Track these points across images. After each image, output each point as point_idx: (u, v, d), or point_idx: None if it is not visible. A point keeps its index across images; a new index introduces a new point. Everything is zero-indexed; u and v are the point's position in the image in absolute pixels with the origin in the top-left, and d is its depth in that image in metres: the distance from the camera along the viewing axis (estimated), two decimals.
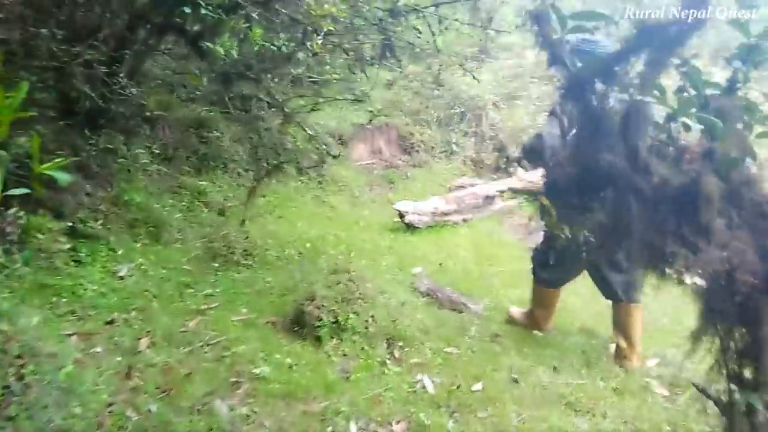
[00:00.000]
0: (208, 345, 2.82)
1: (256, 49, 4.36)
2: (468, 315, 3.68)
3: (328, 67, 5.34)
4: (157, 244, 3.89)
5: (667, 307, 3.88)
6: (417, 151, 7.43)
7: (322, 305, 3.13)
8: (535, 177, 6.91)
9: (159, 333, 2.83)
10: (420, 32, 4.29)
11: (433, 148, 7.49)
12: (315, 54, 4.25)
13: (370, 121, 4.16)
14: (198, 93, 5.61)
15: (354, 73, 7.43)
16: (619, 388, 2.86)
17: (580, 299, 4.06)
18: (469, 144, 7.58)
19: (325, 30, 3.74)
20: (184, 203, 4.58)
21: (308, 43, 3.97)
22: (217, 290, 3.56)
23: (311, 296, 3.25)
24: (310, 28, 3.78)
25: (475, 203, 6.01)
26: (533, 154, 3.17)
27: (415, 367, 2.89)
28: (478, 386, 2.74)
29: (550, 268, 3.25)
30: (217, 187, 5.04)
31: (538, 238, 3.75)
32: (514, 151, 7.36)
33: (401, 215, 5.27)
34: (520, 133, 7.40)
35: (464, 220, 5.84)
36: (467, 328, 3.40)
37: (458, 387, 2.72)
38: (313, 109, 3.94)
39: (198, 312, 3.17)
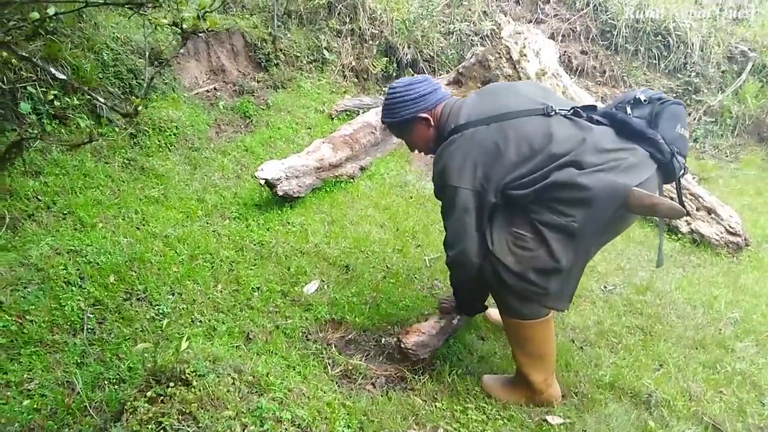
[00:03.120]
0: None
1: None
2: None
3: None
4: None
5: None
6: (276, 64, 5.28)
7: None
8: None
9: None
10: None
11: (297, 57, 5.37)
12: None
13: (194, 32, 2.01)
14: None
15: None
16: None
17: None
18: (346, 47, 5.55)
19: None
20: None
21: None
22: None
23: None
24: None
25: (372, 140, 4.20)
26: None
27: None
28: None
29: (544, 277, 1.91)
30: None
31: None
32: (406, 53, 5.51)
33: (271, 186, 3.34)
34: (411, 27, 5.51)
35: (362, 169, 4.04)
36: None
37: None
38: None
39: None
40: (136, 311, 2.43)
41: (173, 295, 2.57)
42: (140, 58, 4.37)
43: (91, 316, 2.37)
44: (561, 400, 2.05)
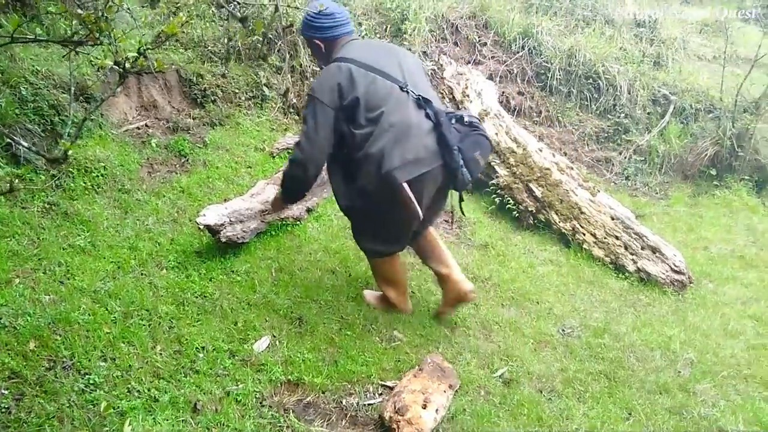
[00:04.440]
0: None
1: None
2: None
3: None
4: None
5: None
6: (213, 100, 5.05)
7: None
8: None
9: None
10: None
11: (236, 93, 5.17)
12: None
13: (138, 72, 1.84)
14: None
15: None
16: None
17: None
18: (286, 84, 5.43)
19: None
20: None
21: None
22: None
23: None
24: None
25: (318, 180, 4.03)
26: None
27: None
28: None
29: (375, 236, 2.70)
30: None
31: None
32: None
33: (213, 233, 3.11)
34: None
35: (308, 210, 3.88)
36: None
37: None
38: None
39: None
40: (62, 383, 2.12)
41: (105, 361, 2.28)
42: (63, 93, 4.05)
43: (6, 392, 2.04)
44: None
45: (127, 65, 1.78)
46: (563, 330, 2.90)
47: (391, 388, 2.28)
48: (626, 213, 3.74)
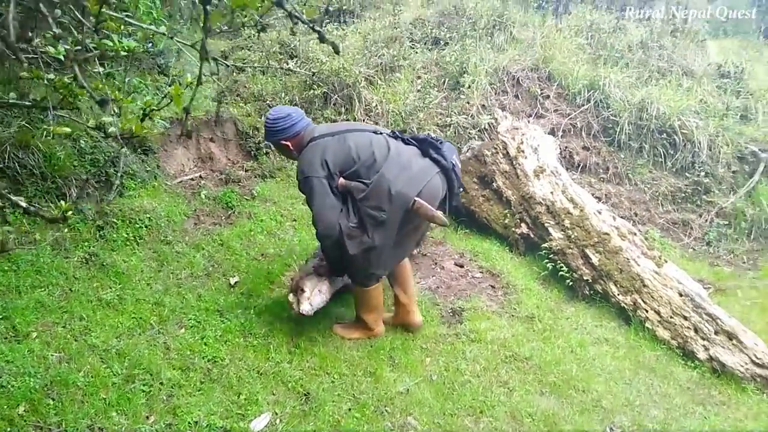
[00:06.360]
0: None
1: None
2: None
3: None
4: None
5: None
6: (266, 152, 5.12)
7: None
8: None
9: None
10: None
11: None
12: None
13: (129, 136, 1.79)
14: None
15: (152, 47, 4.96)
16: None
17: None
18: None
19: None
20: None
21: None
22: None
23: None
24: None
25: None
26: None
27: None
28: None
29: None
30: None
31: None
32: None
33: (293, 304, 2.90)
34: (407, 119, 5.37)
35: None
36: None
37: None
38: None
39: None
40: None
41: (93, 431, 2.16)
42: (122, 146, 4.20)
43: None
44: None
45: (112, 130, 1.72)
46: (611, 429, 2.47)
47: None
48: (696, 289, 3.23)
